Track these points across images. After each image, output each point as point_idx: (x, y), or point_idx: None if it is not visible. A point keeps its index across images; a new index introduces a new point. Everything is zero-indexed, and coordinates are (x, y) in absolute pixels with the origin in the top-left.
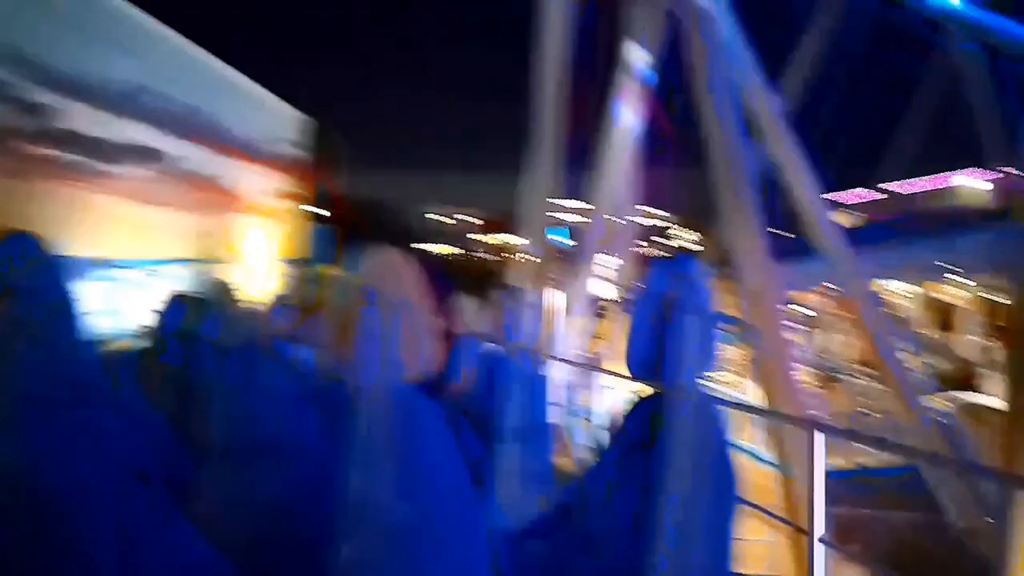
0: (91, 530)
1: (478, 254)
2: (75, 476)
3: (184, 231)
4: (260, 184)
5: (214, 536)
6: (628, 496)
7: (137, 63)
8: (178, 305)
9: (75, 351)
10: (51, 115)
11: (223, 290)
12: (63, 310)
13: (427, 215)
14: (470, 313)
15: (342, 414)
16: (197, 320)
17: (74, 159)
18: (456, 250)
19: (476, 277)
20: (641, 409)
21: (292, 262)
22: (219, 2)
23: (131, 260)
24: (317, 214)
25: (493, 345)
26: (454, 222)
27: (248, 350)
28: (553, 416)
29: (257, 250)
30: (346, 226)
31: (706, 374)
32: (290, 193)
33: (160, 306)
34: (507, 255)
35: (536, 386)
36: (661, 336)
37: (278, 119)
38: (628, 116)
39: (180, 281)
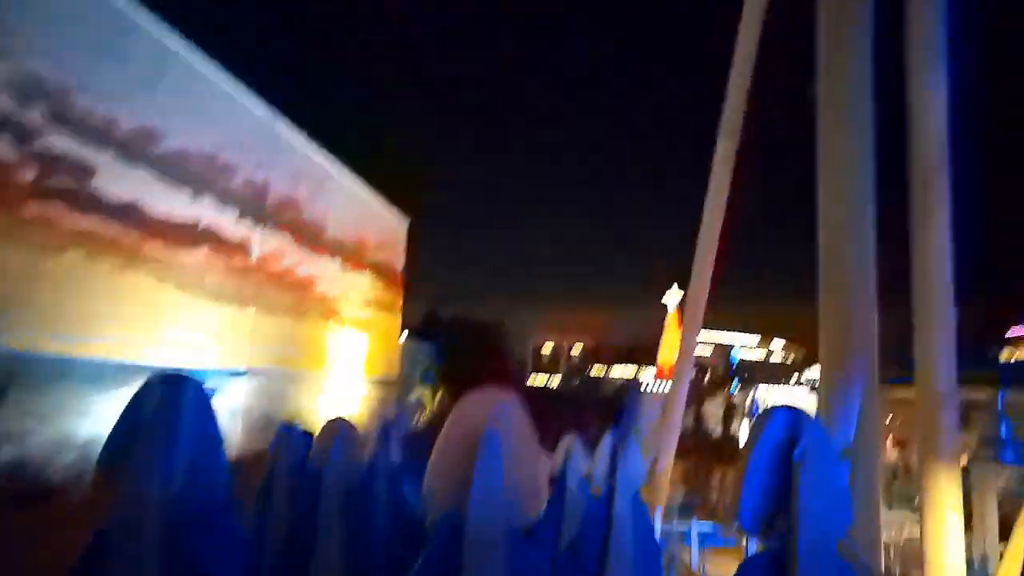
0: None
1: (589, 386)
2: None
3: (260, 335)
4: (355, 290)
5: None
6: None
7: (219, 133)
8: (286, 434)
9: (213, 488)
10: (102, 179)
11: (337, 427)
12: (210, 451)
13: (535, 341)
14: (579, 452)
15: (450, 557)
16: (306, 453)
17: (127, 235)
18: (565, 380)
19: (586, 411)
20: (758, 567)
21: (388, 381)
22: (323, 86)
23: (189, 368)
24: (417, 330)
25: (601, 486)
26: (565, 350)
27: (358, 486)
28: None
29: (348, 364)
30: (449, 346)
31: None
32: (389, 304)
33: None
34: (618, 388)
35: (645, 534)
36: (781, 488)
37: (380, 220)
38: None
39: (254, 394)
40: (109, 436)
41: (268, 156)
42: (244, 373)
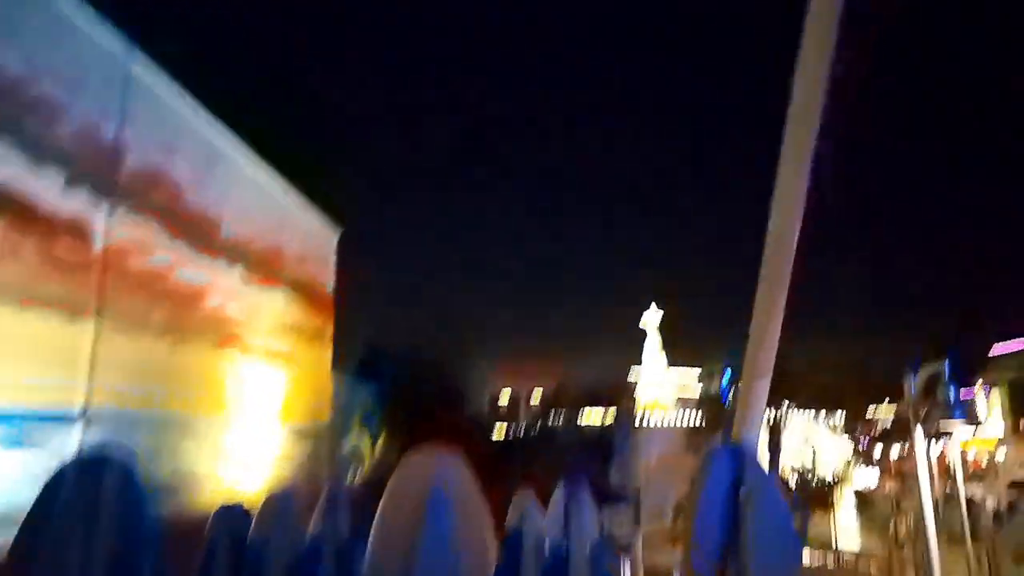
0: None
1: (561, 432)
2: None
3: (113, 361)
4: (267, 310)
5: None
6: None
7: (30, 53)
8: (224, 512)
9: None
10: None
11: (279, 501)
12: (137, 551)
13: (491, 388)
14: (531, 505)
15: None
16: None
17: None
18: (516, 428)
19: (541, 461)
20: None
21: (314, 429)
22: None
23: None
24: (354, 367)
25: (556, 540)
26: (524, 397)
27: (304, 564)
28: None
29: (259, 407)
30: (395, 385)
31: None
32: (315, 332)
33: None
34: (602, 430)
35: None
36: (730, 527)
37: (300, 225)
38: None
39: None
40: (16, 536)
41: (123, 105)
42: (79, 416)
